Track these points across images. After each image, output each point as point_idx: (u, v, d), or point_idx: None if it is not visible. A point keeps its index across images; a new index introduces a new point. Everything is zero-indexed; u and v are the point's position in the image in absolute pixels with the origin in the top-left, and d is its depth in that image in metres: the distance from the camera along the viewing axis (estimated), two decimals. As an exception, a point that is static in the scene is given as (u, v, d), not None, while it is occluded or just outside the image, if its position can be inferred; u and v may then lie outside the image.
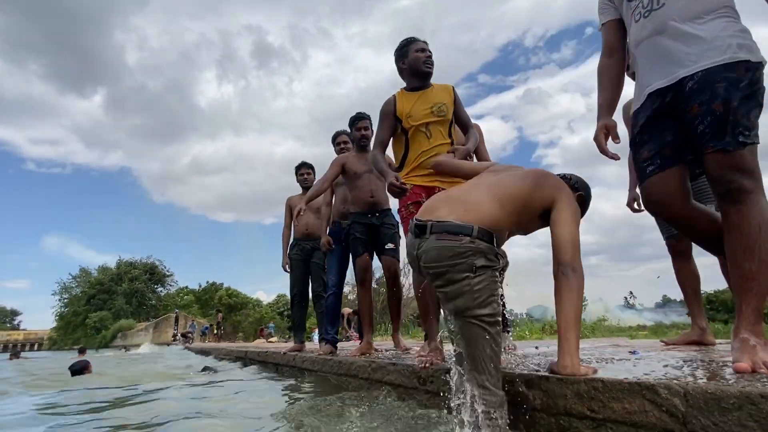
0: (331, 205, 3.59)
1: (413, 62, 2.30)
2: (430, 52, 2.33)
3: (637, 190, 2.56)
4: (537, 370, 1.46)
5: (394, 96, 2.34)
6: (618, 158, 1.68)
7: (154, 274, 46.13)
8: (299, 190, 4.27)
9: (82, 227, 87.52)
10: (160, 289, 47.21)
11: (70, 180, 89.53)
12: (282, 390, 3.01)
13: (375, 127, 2.57)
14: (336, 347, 3.43)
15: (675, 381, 1.05)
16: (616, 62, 1.72)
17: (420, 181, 2.24)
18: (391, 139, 2.38)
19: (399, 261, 3.13)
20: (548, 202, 1.47)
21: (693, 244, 2.36)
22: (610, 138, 1.67)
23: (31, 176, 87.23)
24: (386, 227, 3.12)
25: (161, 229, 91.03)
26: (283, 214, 4.28)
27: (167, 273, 47.61)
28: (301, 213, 3.05)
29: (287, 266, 4.04)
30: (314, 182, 3.82)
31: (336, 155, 3.57)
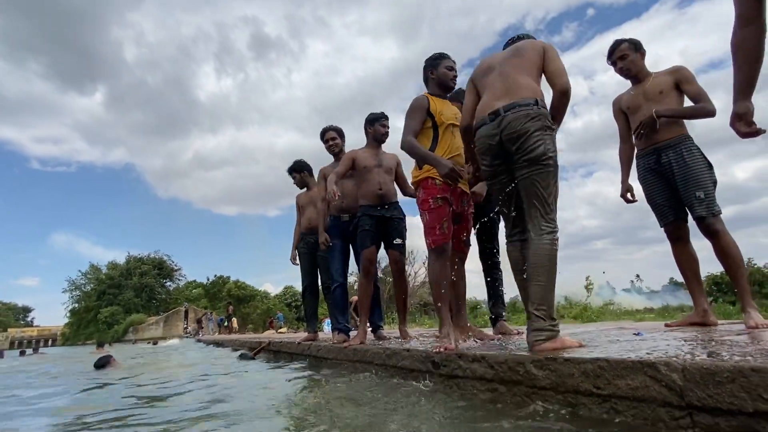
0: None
1: (442, 76, 2.59)
2: (456, 71, 2.63)
3: (630, 181, 2.64)
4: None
5: (425, 95, 2.55)
6: (764, 132, 1.57)
7: (162, 269, 46.66)
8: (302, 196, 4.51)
9: (89, 224, 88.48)
10: (168, 283, 47.79)
11: (76, 178, 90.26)
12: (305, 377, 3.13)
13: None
14: (348, 335, 3.55)
15: (674, 358, 1.14)
16: (755, 32, 1.43)
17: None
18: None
19: (405, 255, 3.27)
20: (542, 57, 1.97)
21: (689, 230, 2.43)
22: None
23: (36, 175, 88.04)
24: (395, 220, 3.25)
25: (167, 224, 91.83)
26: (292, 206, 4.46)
27: (175, 267, 48.14)
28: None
29: (296, 259, 4.20)
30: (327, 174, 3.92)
31: (326, 150, 3.86)
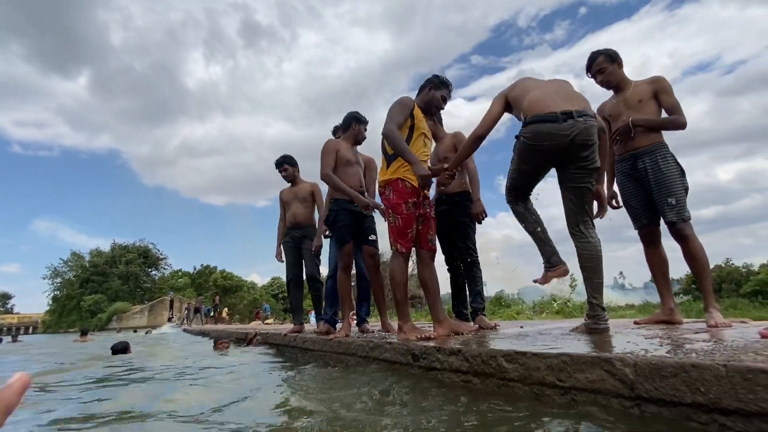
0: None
1: (434, 100, 2.73)
2: (444, 106, 2.82)
3: (615, 188, 2.76)
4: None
5: (413, 101, 2.70)
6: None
7: (148, 258, 46.12)
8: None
9: (72, 211, 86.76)
10: (154, 272, 47.27)
11: (59, 163, 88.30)
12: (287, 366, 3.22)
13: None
14: (334, 327, 3.65)
15: (628, 354, 1.26)
16: None
17: (414, 182, 2.56)
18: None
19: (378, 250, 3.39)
20: None
21: (661, 233, 2.57)
22: None
23: (18, 159, 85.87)
24: (369, 217, 3.36)
25: (153, 212, 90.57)
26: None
27: (161, 256, 47.61)
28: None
29: (281, 256, 4.27)
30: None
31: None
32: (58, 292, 44.89)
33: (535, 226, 2.38)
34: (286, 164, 4.39)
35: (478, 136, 2.40)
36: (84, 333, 12.27)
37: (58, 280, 45.62)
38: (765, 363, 0.98)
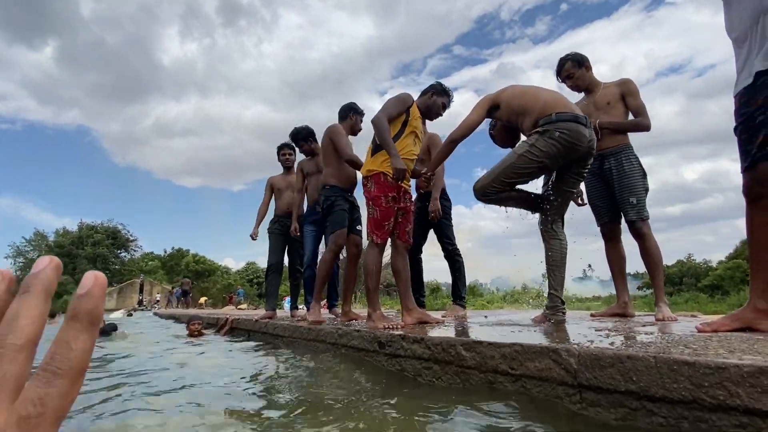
0: (303, 192, 3.96)
1: (434, 106, 2.77)
2: (443, 113, 2.85)
3: (581, 187, 2.88)
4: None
5: (413, 99, 2.75)
6: None
7: (116, 239, 44.73)
8: (275, 164, 4.49)
9: (38, 189, 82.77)
10: (123, 254, 45.94)
11: (22, 137, 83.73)
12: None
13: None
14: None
15: (574, 345, 1.35)
16: None
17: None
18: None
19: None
20: None
21: (621, 230, 2.71)
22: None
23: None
24: (357, 208, 3.43)
25: (124, 192, 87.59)
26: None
27: (131, 238, 46.25)
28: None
29: (255, 235, 4.25)
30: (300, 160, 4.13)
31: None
32: (20, 273, 43.14)
33: (519, 192, 2.49)
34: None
35: (454, 140, 2.47)
36: (52, 315, 11.95)
37: (21, 259, 43.83)
38: (689, 356, 1.07)
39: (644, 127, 2.60)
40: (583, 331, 1.83)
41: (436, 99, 2.76)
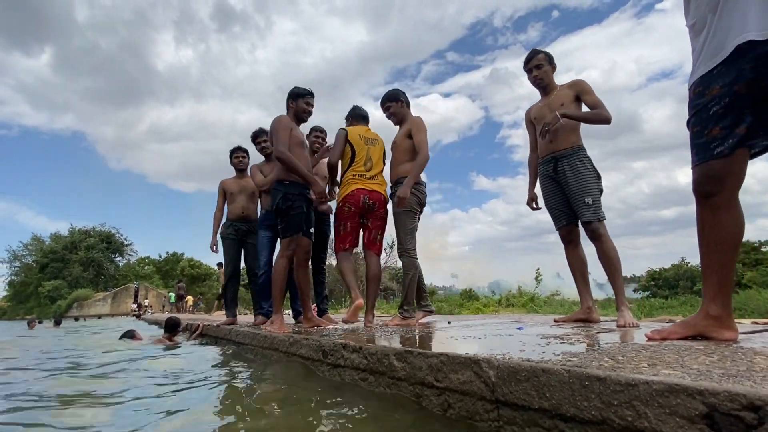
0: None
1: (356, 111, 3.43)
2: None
3: (536, 190, 2.80)
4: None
5: (345, 130, 3.22)
6: None
7: (111, 243, 44.49)
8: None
9: (33, 192, 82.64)
10: (118, 258, 45.70)
11: (18, 142, 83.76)
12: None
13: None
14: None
15: (497, 356, 1.24)
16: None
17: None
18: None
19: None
20: None
21: (580, 233, 2.61)
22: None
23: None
24: (312, 209, 3.23)
25: (119, 197, 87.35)
26: None
27: (125, 242, 46.05)
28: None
29: (215, 247, 4.10)
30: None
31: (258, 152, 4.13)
32: (16, 278, 42.90)
33: None
34: (243, 152, 4.26)
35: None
36: (57, 323, 12.31)
37: (17, 264, 43.57)
38: (603, 370, 0.96)
39: (604, 118, 2.50)
40: (528, 339, 1.72)
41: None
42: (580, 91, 2.57)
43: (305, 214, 3.03)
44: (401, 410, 1.42)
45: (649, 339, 1.56)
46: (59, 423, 1.48)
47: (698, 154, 1.49)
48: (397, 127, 3.22)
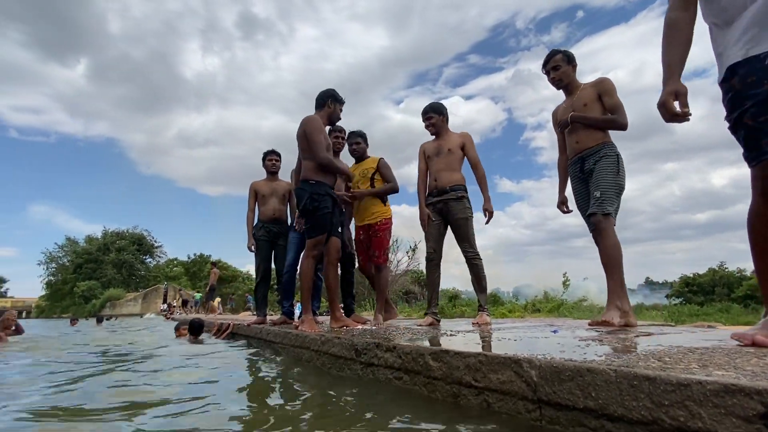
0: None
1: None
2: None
3: (567, 193, 2.74)
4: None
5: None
6: (689, 115, 1.46)
7: (142, 245, 46.02)
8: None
9: (69, 197, 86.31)
10: (149, 260, 47.21)
11: (55, 149, 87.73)
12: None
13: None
14: (291, 318, 3.81)
15: (539, 356, 1.23)
16: (691, 17, 1.49)
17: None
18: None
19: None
20: None
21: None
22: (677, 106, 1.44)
23: (15, 144, 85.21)
24: (340, 208, 3.25)
25: (149, 200, 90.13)
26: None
27: (155, 244, 47.53)
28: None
29: (253, 247, 4.19)
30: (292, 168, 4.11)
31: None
32: (53, 278, 44.89)
33: None
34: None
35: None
36: (99, 321, 13.51)
37: (53, 265, 45.61)
38: (651, 371, 0.95)
39: (620, 124, 2.43)
40: (565, 341, 1.69)
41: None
42: (602, 91, 2.50)
43: (330, 214, 3.03)
44: (438, 407, 1.43)
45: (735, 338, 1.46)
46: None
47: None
48: (430, 136, 3.37)
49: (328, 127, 3.27)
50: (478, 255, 3.14)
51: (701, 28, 1.57)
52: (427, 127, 3.32)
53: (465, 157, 3.23)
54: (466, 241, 3.12)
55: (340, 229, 3.25)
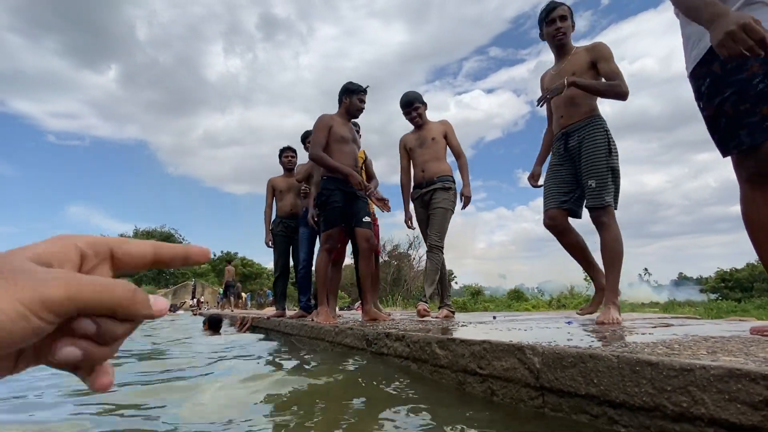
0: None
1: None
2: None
3: (544, 168, 2.65)
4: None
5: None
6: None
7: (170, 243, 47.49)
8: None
9: (104, 197, 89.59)
10: (177, 257, 48.60)
11: (90, 152, 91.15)
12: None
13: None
14: (309, 312, 3.82)
15: (542, 343, 1.21)
16: None
17: None
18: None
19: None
20: None
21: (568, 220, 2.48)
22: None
23: (52, 148, 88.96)
24: (362, 199, 3.12)
25: (178, 200, 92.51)
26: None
27: (183, 242, 48.89)
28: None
29: (271, 242, 4.26)
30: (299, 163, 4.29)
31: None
32: (89, 275, 46.82)
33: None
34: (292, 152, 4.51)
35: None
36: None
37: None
38: (654, 356, 0.92)
39: (621, 92, 2.15)
40: (576, 331, 1.66)
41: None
42: (597, 57, 2.24)
43: (341, 208, 3.01)
44: (444, 395, 1.42)
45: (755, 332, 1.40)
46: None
47: (753, 134, 1.35)
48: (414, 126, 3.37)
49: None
50: (441, 248, 3.06)
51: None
52: (414, 119, 3.27)
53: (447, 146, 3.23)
54: (436, 229, 3.07)
55: (368, 218, 3.09)
